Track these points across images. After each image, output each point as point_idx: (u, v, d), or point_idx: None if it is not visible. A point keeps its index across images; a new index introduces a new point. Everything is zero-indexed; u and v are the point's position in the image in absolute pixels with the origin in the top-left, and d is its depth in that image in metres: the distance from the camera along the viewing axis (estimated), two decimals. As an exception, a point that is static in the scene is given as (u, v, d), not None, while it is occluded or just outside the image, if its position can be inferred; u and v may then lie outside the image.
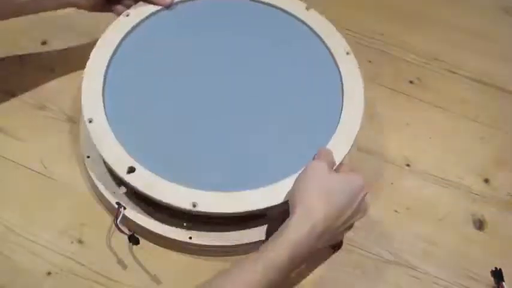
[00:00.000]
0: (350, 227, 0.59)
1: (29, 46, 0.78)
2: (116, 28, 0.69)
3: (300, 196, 0.55)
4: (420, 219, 0.67)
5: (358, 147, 0.72)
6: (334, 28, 0.72)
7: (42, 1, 0.68)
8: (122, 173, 0.58)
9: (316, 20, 0.72)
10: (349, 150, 0.62)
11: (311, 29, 0.72)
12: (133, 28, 0.69)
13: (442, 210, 0.68)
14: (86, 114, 0.62)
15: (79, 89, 0.70)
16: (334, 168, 0.60)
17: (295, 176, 0.58)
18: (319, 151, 0.61)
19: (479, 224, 0.68)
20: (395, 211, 0.68)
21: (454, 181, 0.71)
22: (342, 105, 0.65)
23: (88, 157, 0.65)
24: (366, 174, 0.70)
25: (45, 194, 0.65)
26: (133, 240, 0.58)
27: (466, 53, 0.84)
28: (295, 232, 0.53)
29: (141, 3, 0.71)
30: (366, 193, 0.58)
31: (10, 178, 0.66)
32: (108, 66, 0.66)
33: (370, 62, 0.82)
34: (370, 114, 0.76)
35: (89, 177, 0.65)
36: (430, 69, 0.82)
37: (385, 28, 0.85)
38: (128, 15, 0.70)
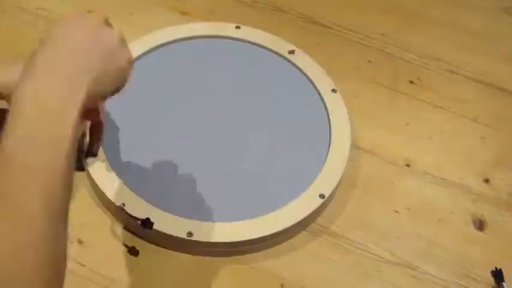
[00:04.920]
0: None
1: (28, 46, 0.77)
2: None
3: None
4: (420, 219, 0.67)
5: (358, 147, 0.72)
6: (320, 67, 0.75)
7: None
8: (119, 203, 0.61)
9: (302, 60, 0.76)
10: (337, 183, 0.66)
11: (298, 68, 0.76)
12: None
13: (442, 210, 0.68)
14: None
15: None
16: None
17: (284, 208, 0.63)
18: None
19: (480, 224, 0.68)
20: (396, 211, 0.68)
21: (454, 181, 0.71)
22: (330, 142, 0.69)
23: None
24: (366, 174, 0.70)
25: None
26: (148, 225, 0.59)
27: (466, 53, 0.84)
28: None
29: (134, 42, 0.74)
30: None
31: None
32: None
33: (370, 62, 0.82)
34: (370, 114, 0.76)
35: (89, 176, 0.65)
36: (430, 69, 0.82)
37: (386, 28, 0.85)
38: None
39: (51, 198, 0.39)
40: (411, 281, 0.63)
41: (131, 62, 0.51)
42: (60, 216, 0.40)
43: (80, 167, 0.66)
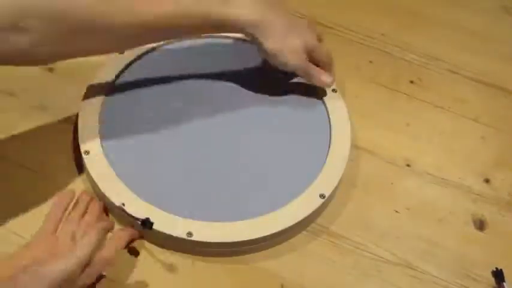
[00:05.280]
0: None
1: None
2: (111, 64, 0.73)
3: None
4: (420, 219, 0.67)
5: (358, 147, 0.72)
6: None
7: None
8: (118, 203, 0.61)
9: None
10: (338, 183, 0.66)
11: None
12: (129, 64, 0.74)
13: (442, 210, 0.68)
14: (83, 146, 0.65)
15: (79, 89, 0.70)
16: None
17: (284, 208, 0.62)
18: None
19: (480, 224, 0.68)
20: (396, 211, 0.68)
21: (454, 181, 0.71)
22: (330, 142, 0.68)
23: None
24: (366, 174, 0.70)
25: (44, 194, 0.65)
26: (148, 225, 0.59)
27: (466, 53, 0.84)
28: None
29: None
30: None
31: (10, 178, 0.66)
32: (104, 99, 0.70)
33: (371, 62, 0.82)
34: (370, 114, 0.76)
35: (89, 176, 0.65)
36: (431, 69, 0.82)
37: (386, 28, 0.85)
38: (122, 53, 0.73)
39: None
40: (411, 281, 0.63)
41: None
42: None
43: None
